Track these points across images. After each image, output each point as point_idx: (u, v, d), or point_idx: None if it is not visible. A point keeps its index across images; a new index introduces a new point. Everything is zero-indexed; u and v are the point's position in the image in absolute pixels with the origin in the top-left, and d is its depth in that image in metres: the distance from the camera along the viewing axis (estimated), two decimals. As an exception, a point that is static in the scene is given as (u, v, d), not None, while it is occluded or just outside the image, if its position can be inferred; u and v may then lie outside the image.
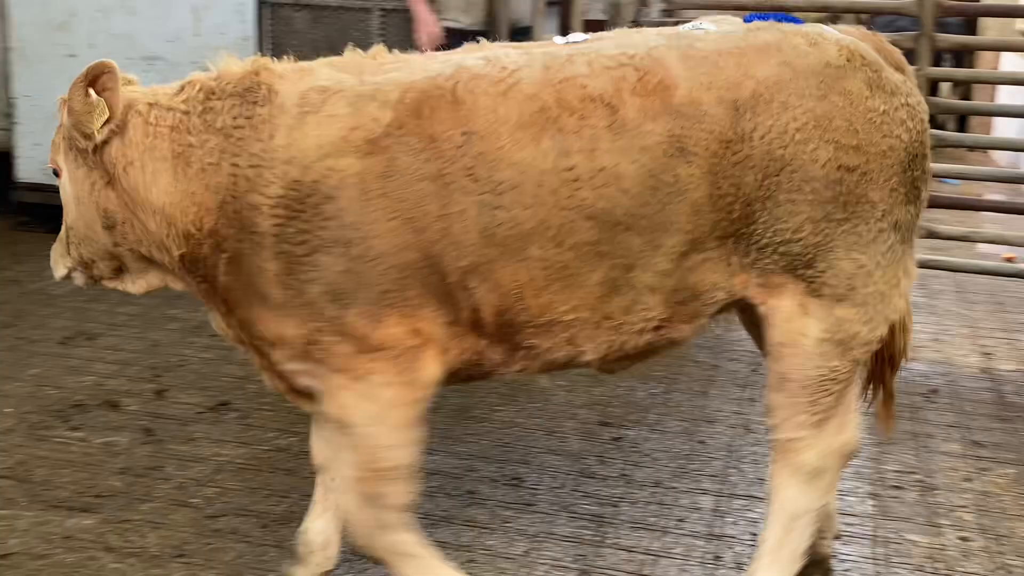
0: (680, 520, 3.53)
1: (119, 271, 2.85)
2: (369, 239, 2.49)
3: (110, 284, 2.91)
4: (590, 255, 2.56)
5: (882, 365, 3.04)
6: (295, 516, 3.43)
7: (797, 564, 2.84)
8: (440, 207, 2.50)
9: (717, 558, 3.31)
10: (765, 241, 2.62)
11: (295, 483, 3.66)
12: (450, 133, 2.50)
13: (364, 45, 6.53)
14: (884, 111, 2.63)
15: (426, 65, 2.65)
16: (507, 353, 2.69)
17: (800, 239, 2.61)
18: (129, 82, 2.78)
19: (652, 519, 3.53)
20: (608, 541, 3.37)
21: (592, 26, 5.68)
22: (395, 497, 2.69)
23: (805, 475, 2.78)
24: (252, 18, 6.44)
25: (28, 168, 7.17)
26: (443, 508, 3.54)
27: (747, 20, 2.88)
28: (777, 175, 2.57)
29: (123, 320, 5.27)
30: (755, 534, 3.44)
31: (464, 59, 2.66)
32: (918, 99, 2.74)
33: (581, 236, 2.54)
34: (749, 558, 3.27)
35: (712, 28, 2.76)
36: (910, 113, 2.68)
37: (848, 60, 2.64)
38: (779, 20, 2.98)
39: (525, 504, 3.59)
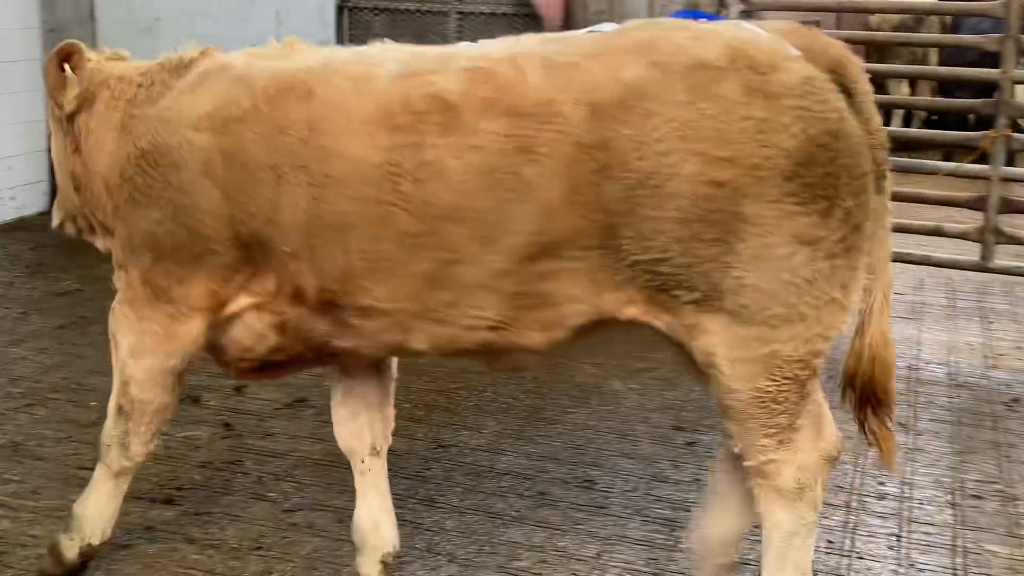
0: (755, 525, 3.49)
1: (92, 229, 3.16)
2: (199, 212, 2.72)
3: (89, 239, 3.21)
4: (411, 247, 2.58)
5: (860, 400, 2.76)
6: (370, 512, 3.49)
7: None
8: (274, 196, 2.63)
9: (791, 565, 3.27)
10: (634, 258, 2.48)
11: (370, 480, 3.70)
12: (297, 126, 2.61)
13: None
14: (763, 118, 2.39)
15: (306, 56, 2.78)
16: (334, 327, 2.76)
17: (668, 259, 2.46)
18: (120, 57, 3.11)
19: (725, 524, 3.50)
20: (681, 545, 3.36)
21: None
22: (137, 433, 2.99)
23: (788, 496, 2.64)
24: (332, 22, 6.53)
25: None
26: (515, 508, 3.56)
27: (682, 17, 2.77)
28: (639, 189, 2.42)
29: (204, 317, 5.38)
30: (831, 541, 3.41)
31: (341, 53, 2.82)
32: (822, 99, 2.44)
33: (401, 228, 2.56)
34: (822, 564, 3.24)
35: (609, 29, 2.68)
36: (800, 117, 2.41)
37: (730, 61, 2.43)
38: (709, 19, 2.82)
39: (597, 507, 3.59)
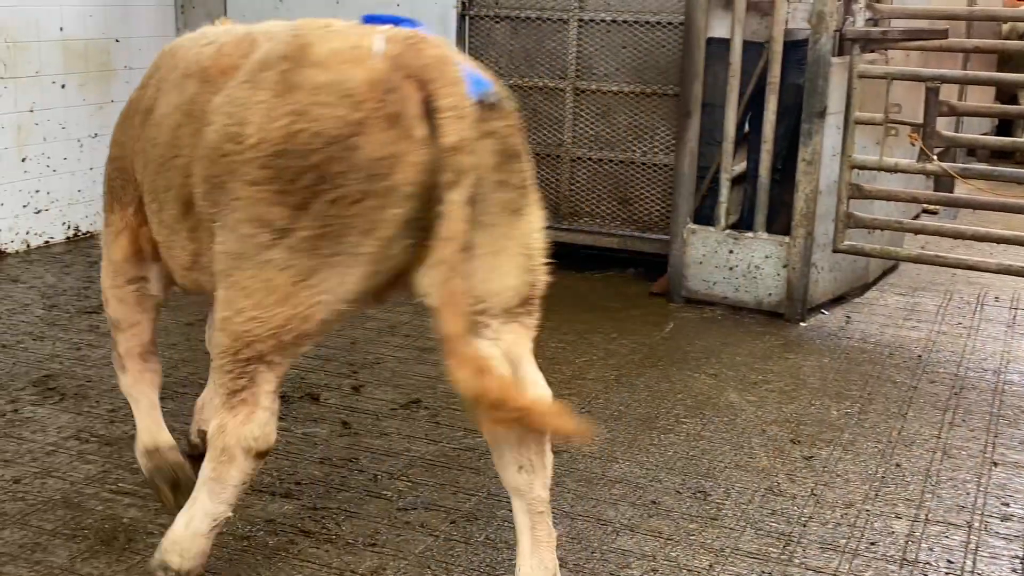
0: (872, 543, 3.42)
1: None
2: (119, 152, 3.36)
3: None
4: (159, 189, 3.09)
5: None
6: (482, 514, 3.52)
7: (204, 530, 2.91)
8: (136, 138, 3.20)
9: (910, 585, 3.19)
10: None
11: (482, 482, 3.74)
12: (156, 82, 3.22)
13: (561, 55, 6.63)
14: (270, 106, 2.60)
15: (206, 30, 3.28)
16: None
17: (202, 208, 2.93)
18: None
19: (842, 541, 3.43)
20: (796, 560, 3.30)
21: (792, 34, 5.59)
22: (120, 341, 3.51)
23: (213, 451, 2.82)
24: (453, 29, 6.61)
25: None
26: (626, 517, 3.54)
27: (366, 20, 2.83)
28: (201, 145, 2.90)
29: (324, 318, 5.50)
30: (951, 561, 3.31)
31: (213, 30, 3.23)
32: (332, 104, 2.52)
33: (152, 168, 3.11)
34: (945, 587, 3.15)
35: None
36: (298, 113, 2.53)
37: (285, 54, 2.65)
38: (394, 23, 2.75)
39: (710, 518, 3.56)
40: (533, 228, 2.83)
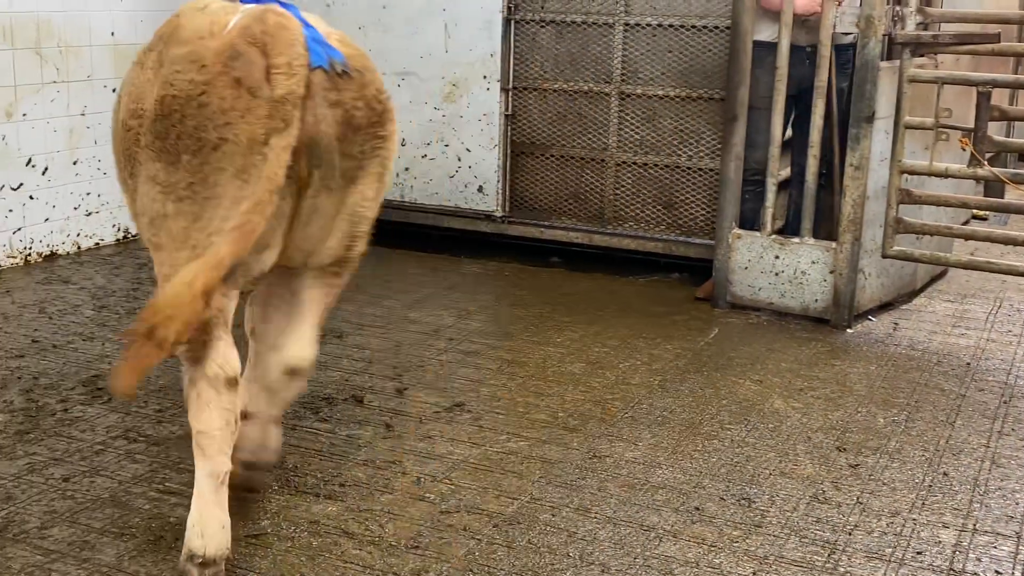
0: (918, 553, 3.38)
1: None
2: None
3: None
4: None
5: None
6: (524, 517, 3.52)
7: (210, 494, 3.05)
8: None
9: (958, 596, 3.15)
10: None
11: (524, 486, 3.74)
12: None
13: (606, 60, 6.64)
14: (149, 80, 3.05)
15: None
16: None
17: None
18: None
19: (888, 550, 3.39)
20: (841, 569, 3.27)
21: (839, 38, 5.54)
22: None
23: (188, 405, 3.09)
24: (499, 34, 6.62)
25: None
26: (669, 523, 3.53)
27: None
28: None
29: (369, 321, 5.54)
30: (999, 572, 3.26)
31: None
32: (184, 70, 2.94)
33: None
34: (994, 599, 3.11)
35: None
36: (165, 81, 2.97)
37: (161, 33, 3.13)
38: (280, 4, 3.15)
39: (754, 525, 3.53)
40: (365, 197, 3.24)
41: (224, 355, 3.02)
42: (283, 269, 3.31)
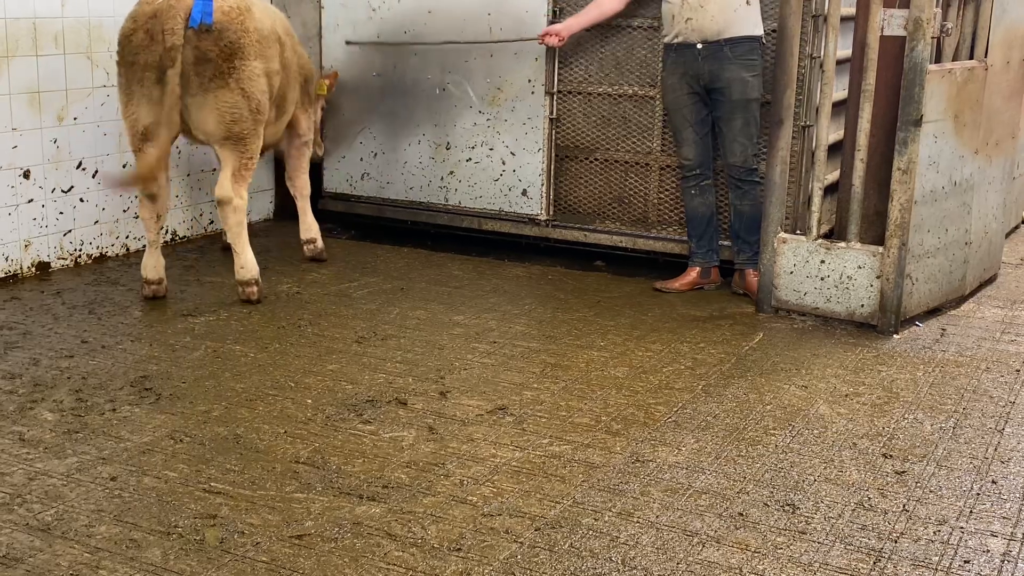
0: (966, 561, 3.33)
1: None
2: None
3: None
4: None
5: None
6: (567, 521, 3.52)
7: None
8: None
9: (1007, 606, 3.10)
10: None
11: (567, 490, 3.74)
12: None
13: (651, 63, 6.62)
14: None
15: None
16: None
17: None
18: None
19: (935, 558, 3.35)
20: (886, 577, 3.24)
21: (886, 42, 5.48)
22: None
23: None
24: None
25: (333, 179, 7.71)
26: (712, 528, 3.51)
27: None
28: None
29: (413, 324, 5.56)
30: (1052, 585, 3.20)
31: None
32: (129, 24, 5.49)
33: None
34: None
35: None
36: (122, 31, 5.57)
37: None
38: None
39: (799, 532, 3.50)
40: (226, 100, 5.46)
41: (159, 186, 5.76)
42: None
